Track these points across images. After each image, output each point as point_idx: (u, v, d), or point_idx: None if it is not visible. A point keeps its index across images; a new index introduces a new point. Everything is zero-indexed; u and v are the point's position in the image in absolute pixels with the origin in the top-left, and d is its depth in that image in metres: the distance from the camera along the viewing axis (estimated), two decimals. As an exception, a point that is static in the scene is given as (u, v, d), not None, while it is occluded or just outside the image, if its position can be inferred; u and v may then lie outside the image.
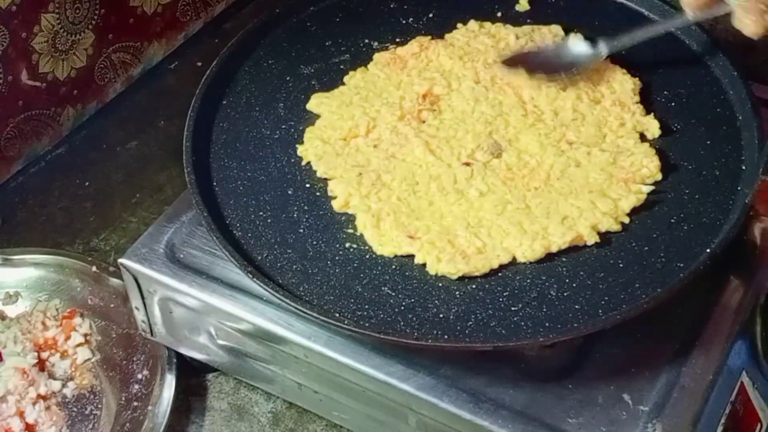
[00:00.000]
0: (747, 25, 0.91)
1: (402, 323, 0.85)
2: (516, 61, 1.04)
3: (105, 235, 1.22)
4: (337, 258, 0.90)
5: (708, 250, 0.87)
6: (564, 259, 0.89)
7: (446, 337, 0.84)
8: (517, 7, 1.14)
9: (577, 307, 0.85)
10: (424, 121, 1.00)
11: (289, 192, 0.97)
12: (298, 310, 0.86)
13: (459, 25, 1.11)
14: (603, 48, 1.03)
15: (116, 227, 1.23)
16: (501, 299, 0.86)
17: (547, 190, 0.93)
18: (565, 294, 0.86)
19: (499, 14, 1.13)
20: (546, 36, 1.08)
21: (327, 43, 1.11)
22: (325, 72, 1.08)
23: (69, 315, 1.09)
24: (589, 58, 1.03)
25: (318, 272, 0.89)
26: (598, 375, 0.86)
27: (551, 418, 0.83)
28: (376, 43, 1.11)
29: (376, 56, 1.08)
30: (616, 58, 1.05)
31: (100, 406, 1.03)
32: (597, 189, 0.93)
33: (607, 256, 0.89)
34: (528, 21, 1.11)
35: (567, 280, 0.87)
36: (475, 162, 0.96)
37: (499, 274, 0.88)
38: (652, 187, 0.94)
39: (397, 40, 1.10)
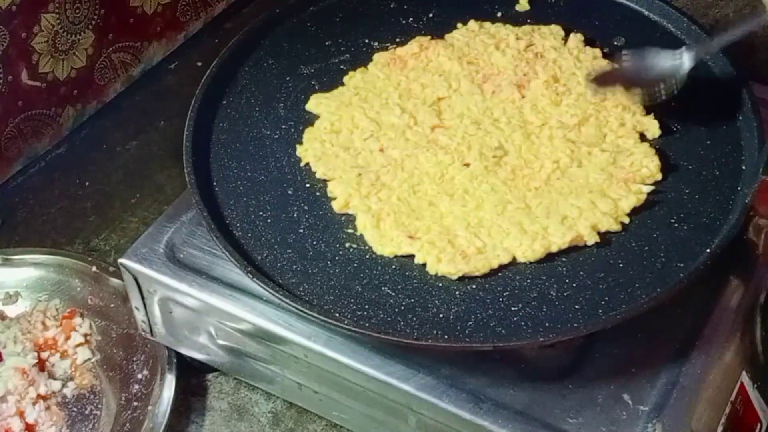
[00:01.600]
0: None
1: (402, 323, 0.85)
2: (607, 79, 1.01)
3: (105, 235, 1.22)
4: (337, 258, 0.90)
5: (708, 250, 0.87)
6: (564, 259, 0.89)
7: (446, 337, 0.84)
8: (517, 7, 1.14)
9: (577, 307, 0.85)
10: (423, 122, 1.00)
11: (289, 192, 0.97)
12: (298, 310, 0.86)
13: (459, 25, 1.11)
14: (687, 59, 0.97)
15: (116, 227, 1.23)
16: (501, 299, 0.86)
17: (547, 190, 0.93)
18: (565, 294, 0.86)
19: (499, 14, 1.13)
20: (546, 36, 1.08)
21: (327, 43, 1.11)
22: (325, 72, 1.08)
23: (69, 315, 1.09)
24: (678, 69, 0.98)
25: (318, 272, 0.89)
26: (598, 375, 0.86)
27: (551, 418, 0.83)
28: (376, 43, 1.11)
29: (376, 56, 1.08)
30: (616, 60, 1.05)
31: (100, 406, 1.03)
32: (597, 189, 0.93)
33: (607, 256, 0.89)
34: (528, 21, 1.11)
35: (567, 280, 0.87)
36: (475, 162, 0.96)
37: (499, 274, 0.88)
38: (652, 187, 0.94)
39: (397, 40, 1.10)
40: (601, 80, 1.01)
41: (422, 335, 0.84)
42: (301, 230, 0.93)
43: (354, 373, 0.88)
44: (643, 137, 0.98)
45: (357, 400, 0.91)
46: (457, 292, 0.87)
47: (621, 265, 0.88)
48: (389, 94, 1.04)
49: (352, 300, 0.87)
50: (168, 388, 1.00)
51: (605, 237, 0.90)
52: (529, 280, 0.88)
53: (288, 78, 1.08)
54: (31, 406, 1.00)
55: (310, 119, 1.03)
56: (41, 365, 1.05)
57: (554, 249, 0.89)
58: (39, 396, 1.02)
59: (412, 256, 0.90)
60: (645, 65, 0.99)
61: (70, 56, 1.27)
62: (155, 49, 1.42)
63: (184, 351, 1.01)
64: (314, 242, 0.92)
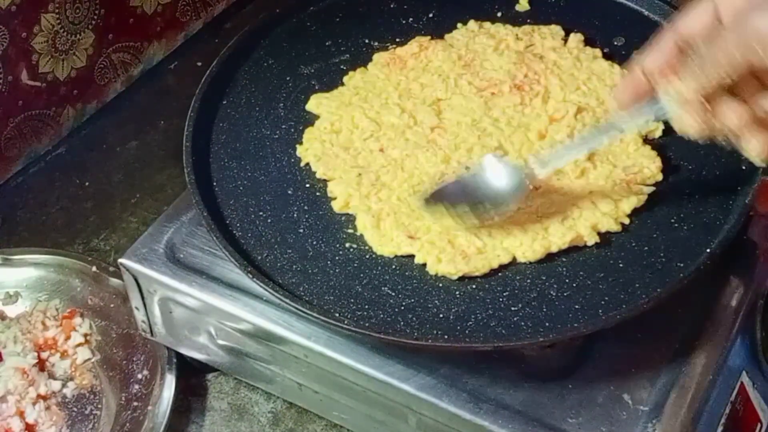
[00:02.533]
0: (690, 126, 0.79)
1: (402, 323, 0.85)
2: (437, 197, 0.89)
3: (105, 235, 1.22)
4: (337, 258, 0.90)
5: (708, 250, 0.87)
6: (564, 259, 0.89)
7: (446, 337, 0.84)
8: (517, 7, 1.14)
9: (577, 307, 0.85)
10: (423, 122, 1.00)
11: (289, 192, 0.97)
12: (298, 310, 0.85)
13: (459, 25, 1.11)
14: (538, 170, 0.87)
15: (116, 227, 1.23)
16: (501, 299, 0.86)
17: (547, 190, 0.93)
18: (565, 294, 0.86)
19: (499, 14, 1.13)
20: (546, 36, 1.08)
21: (327, 43, 1.11)
22: (325, 72, 1.08)
23: (69, 315, 1.09)
24: (519, 189, 0.88)
25: (318, 272, 0.89)
26: (598, 375, 0.86)
27: (551, 418, 0.83)
28: (376, 43, 1.10)
29: (376, 56, 1.08)
30: (616, 59, 1.06)
31: (100, 406, 1.03)
32: (597, 189, 0.93)
33: (607, 256, 0.89)
34: (528, 21, 1.11)
35: (567, 280, 0.87)
36: (475, 162, 0.96)
37: (499, 274, 0.88)
38: (653, 188, 0.94)
39: (397, 40, 1.10)
40: (433, 198, 0.90)
41: (422, 335, 0.84)
42: (301, 230, 0.93)
43: (354, 373, 0.88)
44: (643, 138, 0.98)
45: (357, 400, 0.91)
46: (457, 292, 0.87)
47: (621, 265, 0.88)
48: (389, 94, 1.04)
49: (352, 300, 0.87)
50: (168, 388, 1.00)
51: (605, 237, 0.90)
52: (529, 280, 0.88)
53: (288, 78, 1.08)
54: (31, 406, 1.00)
55: (310, 119, 1.03)
56: (41, 365, 1.05)
57: (554, 249, 0.89)
58: (39, 396, 1.02)
59: (412, 256, 0.90)
60: (480, 181, 0.89)
61: (70, 56, 1.28)
62: (155, 49, 1.42)
63: (184, 351, 1.01)
64: (314, 242, 0.92)
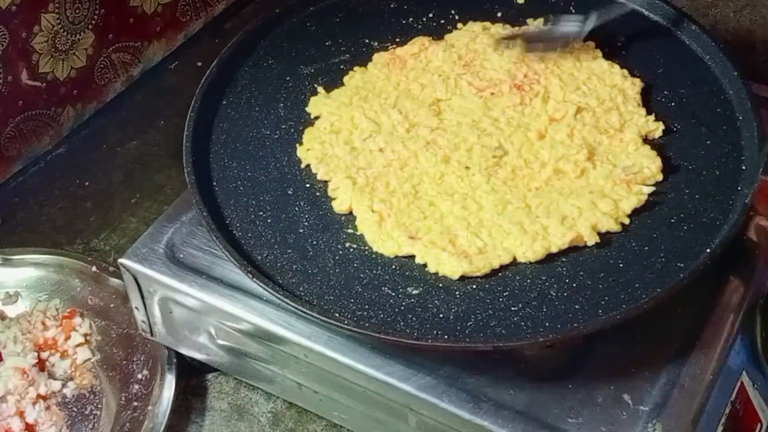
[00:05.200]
0: None
1: (402, 323, 0.85)
2: (513, 38, 1.07)
3: (105, 235, 1.22)
4: (337, 258, 0.90)
5: (708, 250, 0.87)
6: (564, 259, 0.89)
7: (446, 337, 0.84)
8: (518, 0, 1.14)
9: (577, 307, 0.85)
10: (423, 123, 1.00)
11: (289, 192, 0.97)
12: (298, 310, 0.86)
13: (459, 25, 1.11)
14: (588, 24, 1.05)
15: (116, 227, 1.23)
16: (501, 299, 0.86)
17: (548, 190, 0.93)
18: (565, 294, 0.86)
19: (499, 14, 1.13)
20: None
21: (327, 43, 1.11)
22: (325, 72, 1.08)
23: (69, 315, 1.09)
24: (575, 34, 1.06)
25: (318, 272, 0.89)
26: (598, 375, 0.86)
27: (551, 418, 0.83)
28: (376, 43, 1.11)
29: (376, 56, 1.08)
30: (616, 59, 1.06)
31: (100, 406, 1.03)
32: (598, 189, 0.93)
33: (607, 256, 0.89)
34: (528, 18, 1.11)
35: (567, 280, 0.87)
36: (475, 162, 0.96)
37: (499, 274, 0.88)
38: (653, 188, 0.94)
39: (397, 40, 1.10)
40: (507, 38, 1.08)
41: (422, 335, 0.84)
42: (301, 230, 0.93)
43: (354, 373, 0.88)
44: (643, 138, 0.98)
45: (357, 400, 0.91)
46: (457, 292, 0.87)
47: (621, 265, 0.88)
48: (389, 94, 1.04)
49: (352, 300, 0.87)
50: (168, 388, 1.00)
51: (605, 237, 0.90)
52: (529, 280, 0.88)
53: (288, 78, 1.08)
54: (31, 406, 1.00)
55: (310, 119, 1.03)
56: (41, 365, 1.05)
57: (554, 249, 0.89)
58: (39, 396, 1.02)
59: (413, 256, 0.90)
60: (548, 31, 1.08)
61: (70, 56, 1.28)
62: (155, 49, 1.42)
63: (184, 351, 1.01)
64: (314, 242, 0.92)
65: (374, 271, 0.89)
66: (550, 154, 0.96)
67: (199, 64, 1.41)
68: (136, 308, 1.00)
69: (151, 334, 1.02)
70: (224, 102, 1.05)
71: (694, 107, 1.02)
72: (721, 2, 1.31)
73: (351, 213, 0.94)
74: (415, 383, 0.86)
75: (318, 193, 0.96)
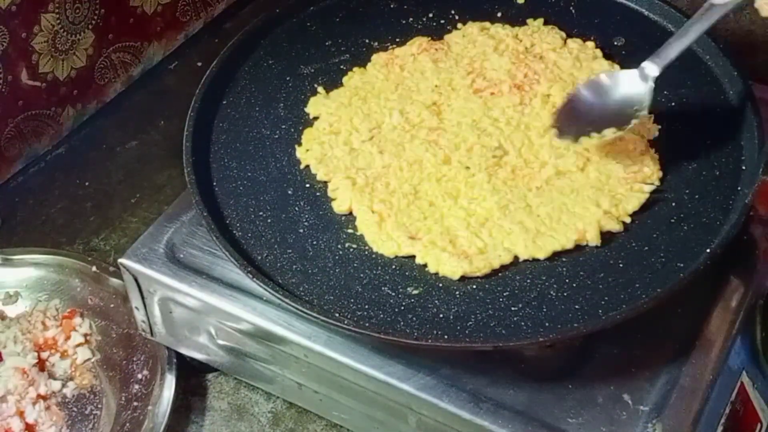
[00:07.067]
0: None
1: (402, 323, 0.85)
2: (560, 121, 0.94)
3: (105, 235, 1.22)
4: (337, 258, 0.90)
5: (708, 250, 0.87)
6: (564, 259, 0.89)
7: (446, 337, 0.84)
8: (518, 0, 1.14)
9: (577, 307, 0.85)
10: (423, 123, 1.00)
11: (289, 192, 0.97)
12: (298, 310, 0.86)
13: (459, 25, 1.11)
14: (652, 70, 0.93)
15: (116, 227, 1.23)
16: (501, 299, 0.86)
17: (548, 190, 0.93)
18: (565, 294, 0.86)
19: (499, 14, 1.13)
20: (546, 38, 1.08)
21: (327, 43, 1.11)
22: (325, 72, 1.08)
23: (69, 315, 1.09)
24: (644, 91, 0.93)
25: (318, 272, 0.89)
26: (598, 375, 0.86)
27: (551, 418, 0.83)
28: (376, 43, 1.11)
29: (375, 57, 1.08)
30: (616, 59, 1.06)
31: (100, 406, 1.03)
32: (598, 189, 0.93)
33: (607, 256, 0.89)
34: (528, 17, 1.11)
35: (567, 280, 0.87)
36: (475, 162, 0.96)
37: (500, 274, 0.88)
38: (653, 187, 0.94)
39: (397, 40, 1.10)
40: (566, 129, 0.94)
41: (422, 335, 0.84)
42: (301, 230, 0.93)
43: (354, 373, 0.88)
44: (643, 138, 0.98)
45: (357, 400, 0.91)
46: (457, 292, 0.87)
47: (621, 265, 0.88)
48: (388, 94, 1.04)
49: (352, 300, 0.87)
50: (168, 388, 1.00)
51: (605, 237, 0.90)
52: (529, 280, 0.88)
53: (288, 78, 1.08)
54: (31, 406, 1.00)
55: (310, 119, 1.03)
56: (41, 365, 1.05)
57: (558, 248, 0.89)
58: (39, 396, 1.02)
59: (413, 256, 0.90)
60: (604, 99, 0.94)
61: (70, 56, 1.28)
62: (155, 49, 1.42)
63: (184, 351, 1.01)
64: (314, 242, 0.92)
65: (374, 271, 0.89)
66: (550, 153, 0.96)
67: (199, 64, 1.41)
68: (136, 308, 1.00)
69: (151, 334, 1.02)
70: (224, 102, 1.05)
71: (694, 107, 1.02)
72: (721, 2, 1.31)
73: (351, 213, 0.94)
74: (415, 383, 0.86)
75: (318, 194, 0.96)
